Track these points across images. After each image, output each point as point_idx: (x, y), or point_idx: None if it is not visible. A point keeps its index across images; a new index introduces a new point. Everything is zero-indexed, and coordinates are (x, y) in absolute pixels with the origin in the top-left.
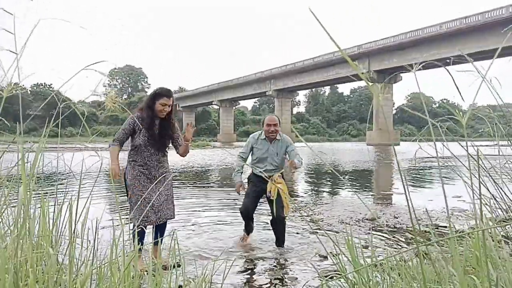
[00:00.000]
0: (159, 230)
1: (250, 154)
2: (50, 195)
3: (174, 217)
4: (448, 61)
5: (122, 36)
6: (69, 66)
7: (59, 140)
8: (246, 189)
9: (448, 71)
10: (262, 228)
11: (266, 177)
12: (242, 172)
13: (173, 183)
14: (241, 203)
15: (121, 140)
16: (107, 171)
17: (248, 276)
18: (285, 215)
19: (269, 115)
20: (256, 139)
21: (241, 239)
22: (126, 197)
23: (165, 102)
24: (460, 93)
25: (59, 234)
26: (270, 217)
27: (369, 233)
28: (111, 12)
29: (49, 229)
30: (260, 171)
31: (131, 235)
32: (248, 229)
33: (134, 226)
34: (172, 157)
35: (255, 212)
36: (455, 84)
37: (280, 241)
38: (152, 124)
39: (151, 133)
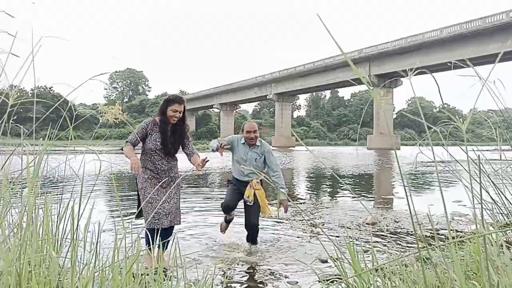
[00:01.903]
0: (166, 234)
1: (232, 154)
2: (54, 198)
3: (179, 223)
4: (449, 64)
5: (122, 36)
6: (69, 65)
7: (68, 142)
8: (227, 189)
9: (435, 79)
10: (262, 232)
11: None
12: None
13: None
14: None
15: (132, 142)
16: (111, 174)
17: (249, 280)
18: (270, 215)
19: (248, 122)
20: (238, 141)
21: (221, 229)
22: (128, 200)
23: (176, 108)
24: (442, 99)
25: (61, 236)
26: (271, 220)
27: (370, 237)
28: (112, 13)
29: (52, 231)
30: (242, 170)
31: (144, 236)
32: (228, 220)
33: (148, 228)
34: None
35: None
36: (440, 92)
37: (249, 240)
38: (166, 129)
39: (163, 137)
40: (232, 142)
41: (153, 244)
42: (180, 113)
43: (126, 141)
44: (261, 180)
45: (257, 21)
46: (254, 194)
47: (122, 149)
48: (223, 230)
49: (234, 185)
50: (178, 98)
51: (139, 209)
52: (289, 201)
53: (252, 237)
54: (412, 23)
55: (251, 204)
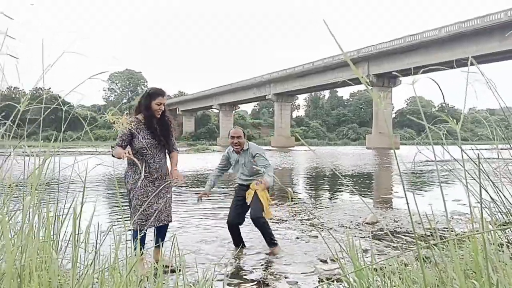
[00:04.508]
0: (161, 232)
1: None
2: (55, 200)
3: (171, 221)
4: (449, 64)
5: (122, 36)
6: (67, 66)
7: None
8: (231, 202)
9: (434, 80)
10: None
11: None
12: (212, 183)
13: (173, 187)
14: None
15: (119, 146)
16: (111, 176)
17: (248, 280)
18: (270, 217)
19: (234, 128)
20: (230, 152)
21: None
22: (127, 201)
23: (160, 101)
24: (444, 98)
25: (62, 238)
26: (271, 221)
27: (369, 237)
28: (112, 13)
29: (52, 233)
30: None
31: (132, 238)
32: (236, 242)
33: (136, 230)
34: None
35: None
36: (441, 91)
37: (266, 242)
38: (152, 123)
39: (153, 132)
40: (225, 156)
41: (141, 247)
42: (163, 105)
43: (112, 146)
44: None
45: (257, 21)
46: (255, 193)
47: (112, 155)
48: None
49: (237, 194)
50: (160, 90)
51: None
52: (293, 199)
53: (265, 234)
54: (412, 23)
55: (249, 203)
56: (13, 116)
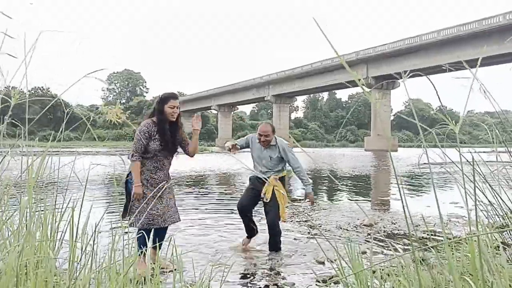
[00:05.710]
0: (159, 234)
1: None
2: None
3: (180, 220)
4: (445, 68)
5: (122, 36)
6: (66, 67)
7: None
8: (244, 190)
9: (431, 81)
10: (260, 232)
11: (265, 178)
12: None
13: (173, 188)
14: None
15: (140, 151)
16: (110, 177)
17: (246, 281)
18: (284, 220)
19: (263, 123)
20: (254, 140)
21: (242, 243)
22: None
23: (173, 104)
24: (440, 101)
25: (59, 238)
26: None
27: (367, 239)
28: (112, 13)
29: (50, 233)
30: (255, 172)
31: (135, 239)
32: (248, 230)
33: (140, 230)
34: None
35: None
36: (437, 94)
37: (273, 250)
38: (165, 129)
39: (165, 138)
40: (248, 140)
41: (146, 246)
42: (177, 108)
43: (133, 153)
44: (280, 178)
45: (257, 21)
46: (273, 191)
47: (130, 160)
48: (244, 244)
49: (251, 185)
50: (172, 93)
51: (128, 208)
52: (287, 202)
53: (273, 241)
54: (413, 23)
55: (268, 201)
56: (7, 113)
